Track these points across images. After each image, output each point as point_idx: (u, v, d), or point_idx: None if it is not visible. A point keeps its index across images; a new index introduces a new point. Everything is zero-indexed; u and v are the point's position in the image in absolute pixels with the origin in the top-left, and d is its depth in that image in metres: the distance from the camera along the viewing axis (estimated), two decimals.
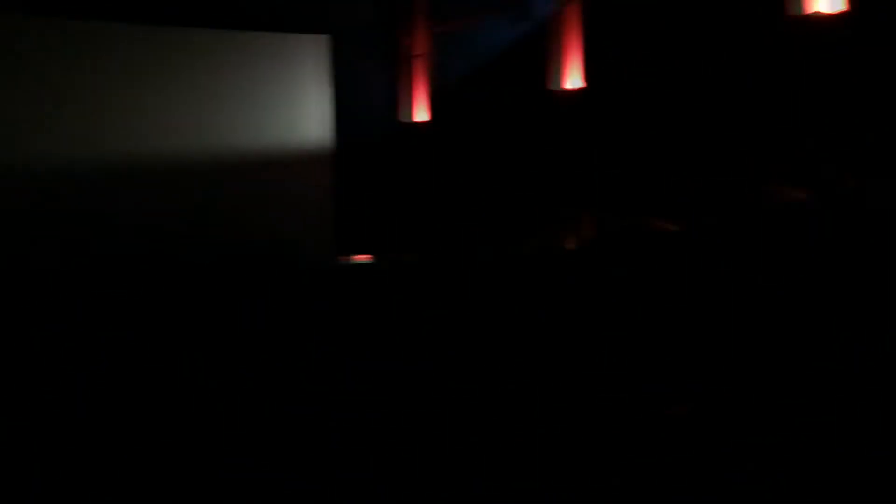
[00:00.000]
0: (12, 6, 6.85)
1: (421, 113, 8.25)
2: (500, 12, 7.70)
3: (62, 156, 7.17)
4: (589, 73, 6.74)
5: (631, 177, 6.64)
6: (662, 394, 4.39)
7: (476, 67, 7.93)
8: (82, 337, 6.07)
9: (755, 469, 3.55)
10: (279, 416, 4.89)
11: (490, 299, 7.12)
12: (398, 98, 8.30)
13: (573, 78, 6.83)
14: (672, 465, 3.73)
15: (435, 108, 8.19)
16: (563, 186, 7.08)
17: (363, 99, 8.22)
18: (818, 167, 5.24)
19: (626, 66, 6.50)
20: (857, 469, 3.39)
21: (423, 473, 3.92)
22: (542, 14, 7.33)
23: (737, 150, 5.98)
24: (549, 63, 6.88)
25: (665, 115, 6.39)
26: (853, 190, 4.90)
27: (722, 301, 4.91)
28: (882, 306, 4.19)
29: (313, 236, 8.10)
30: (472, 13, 7.77)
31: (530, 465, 3.86)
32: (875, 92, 5.01)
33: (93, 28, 7.23)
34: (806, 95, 5.29)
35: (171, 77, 7.57)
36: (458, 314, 7.24)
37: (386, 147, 8.32)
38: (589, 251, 6.47)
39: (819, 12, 4.99)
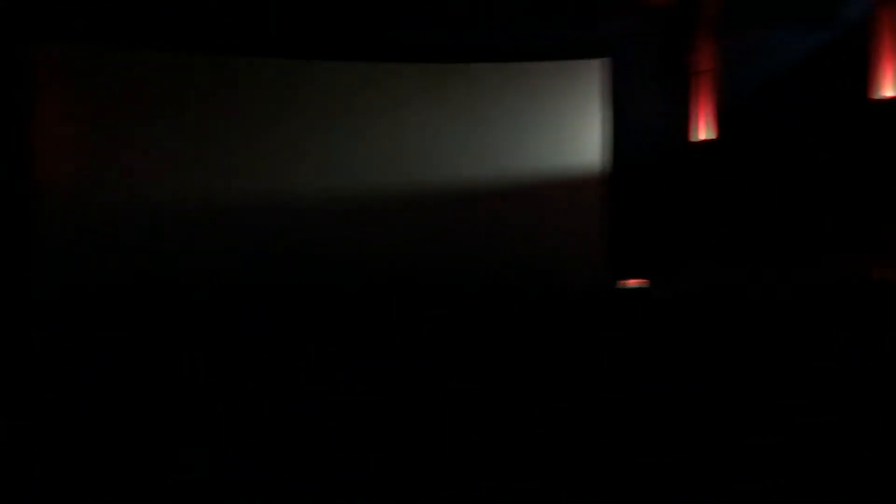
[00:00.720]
0: (314, 52, 7.61)
1: (707, 131, 7.84)
2: (798, 19, 7.10)
3: (347, 184, 7.80)
4: None
5: None
6: None
7: (770, 80, 7.38)
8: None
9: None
10: (544, 443, 4.80)
11: (780, 332, 6.53)
12: (681, 116, 7.96)
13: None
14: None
15: (723, 125, 7.73)
16: (880, 206, 6.32)
17: (643, 119, 7.99)
18: None
19: None
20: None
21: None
22: (850, 18, 6.64)
23: None
24: (871, 69, 6.14)
25: None
26: None
27: None
28: None
29: (586, 259, 8.01)
30: (764, 23, 7.25)
31: None
32: None
33: (374, 68, 7.85)
34: None
35: (450, 110, 7.95)
36: (740, 346, 6.73)
37: (667, 167, 8.01)
38: None
39: None
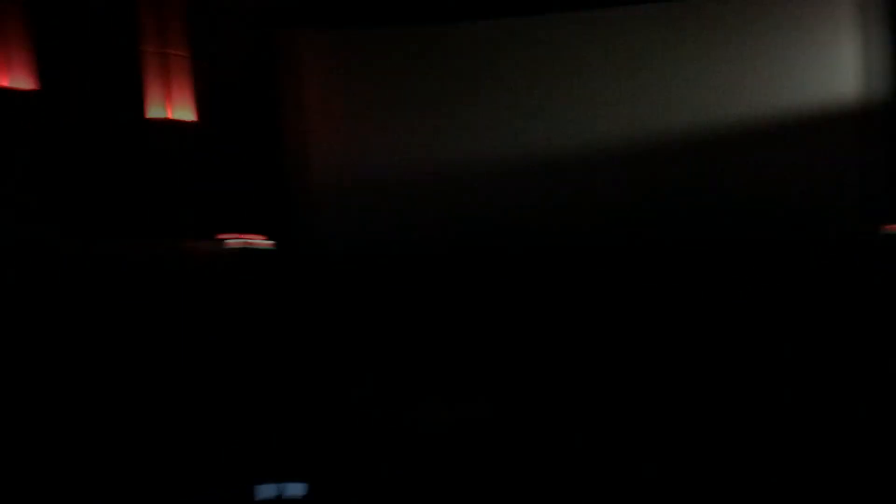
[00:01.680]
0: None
1: None
2: None
3: (585, 137, 7.74)
4: None
5: None
6: None
7: None
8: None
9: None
10: None
11: None
12: None
13: None
14: None
15: None
16: None
17: None
18: None
19: None
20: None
21: None
22: None
23: None
24: None
25: None
26: None
27: None
28: None
29: (845, 202, 7.48)
30: None
31: None
32: None
33: (607, 16, 7.59)
34: None
35: (691, 50, 7.59)
36: None
37: None
38: None
39: None
